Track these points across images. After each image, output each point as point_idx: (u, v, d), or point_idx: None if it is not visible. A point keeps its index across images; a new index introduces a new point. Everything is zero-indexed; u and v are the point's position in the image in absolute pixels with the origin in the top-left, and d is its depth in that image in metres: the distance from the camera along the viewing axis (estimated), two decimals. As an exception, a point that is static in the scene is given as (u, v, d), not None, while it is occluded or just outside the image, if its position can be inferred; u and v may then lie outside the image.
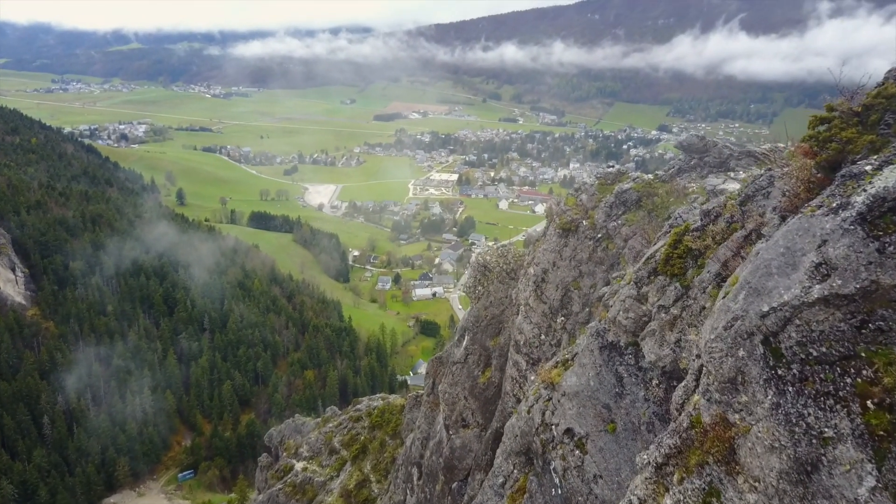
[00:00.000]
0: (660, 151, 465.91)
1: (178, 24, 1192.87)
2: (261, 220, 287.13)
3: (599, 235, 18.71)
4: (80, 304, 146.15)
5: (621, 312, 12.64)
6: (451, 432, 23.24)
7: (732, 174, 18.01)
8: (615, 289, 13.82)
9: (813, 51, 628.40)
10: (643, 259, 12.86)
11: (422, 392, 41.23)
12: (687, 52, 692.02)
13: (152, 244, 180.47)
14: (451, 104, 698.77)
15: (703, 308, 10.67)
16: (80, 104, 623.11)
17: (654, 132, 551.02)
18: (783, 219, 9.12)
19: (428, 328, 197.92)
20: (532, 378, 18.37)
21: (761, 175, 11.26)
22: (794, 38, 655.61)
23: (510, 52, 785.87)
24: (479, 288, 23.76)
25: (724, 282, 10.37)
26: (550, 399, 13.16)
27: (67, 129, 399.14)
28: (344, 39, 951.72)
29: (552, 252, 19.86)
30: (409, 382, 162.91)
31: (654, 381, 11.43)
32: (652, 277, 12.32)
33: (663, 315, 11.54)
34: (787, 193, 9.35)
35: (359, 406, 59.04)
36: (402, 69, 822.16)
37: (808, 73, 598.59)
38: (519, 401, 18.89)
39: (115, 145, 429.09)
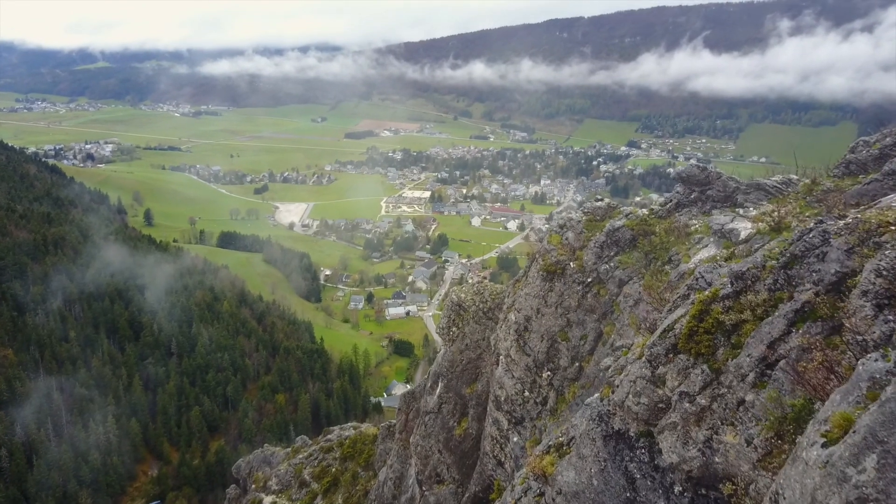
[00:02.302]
0: (629, 167, 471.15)
1: (146, 43, 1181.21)
2: (230, 240, 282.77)
3: (589, 280, 16.83)
4: (40, 330, 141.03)
5: (631, 396, 10.53)
6: (424, 488, 21.32)
7: (741, 210, 16.03)
8: (621, 364, 11.69)
9: (773, 68, 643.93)
10: (658, 331, 10.78)
11: (395, 422, 39.68)
12: (652, 69, 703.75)
13: (117, 267, 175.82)
14: (423, 122, 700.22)
15: (742, 402, 8.72)
16: (45, 123, 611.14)
17: (623, 148, 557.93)
18: (879, 308, 7.28)
19: (402, 348, 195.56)
20: (515, 440, 16.52)
21: (810, 230, 9.35)
22: (756, 56, 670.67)
23: (479, 70, 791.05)
24: (454, 329, 21.74)
25: (771, 369, 8.54)
26: (543, 495, 11.04)
27: (31, 149, 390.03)
28: (313, 58, 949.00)
29: (536, 297, 17.92)
30: (382, 404, 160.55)
31: (677, 488, 9.25)
32: (671, 356, 10.18)
33: (687, 405, 9.48)
34: (885, 273, 7.41)
35: (330, 436, 57.03)
36: (372, 87, 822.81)
37: (769, 89, 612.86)
38: (500, 463, 17.10)
39: (81, 165, 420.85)
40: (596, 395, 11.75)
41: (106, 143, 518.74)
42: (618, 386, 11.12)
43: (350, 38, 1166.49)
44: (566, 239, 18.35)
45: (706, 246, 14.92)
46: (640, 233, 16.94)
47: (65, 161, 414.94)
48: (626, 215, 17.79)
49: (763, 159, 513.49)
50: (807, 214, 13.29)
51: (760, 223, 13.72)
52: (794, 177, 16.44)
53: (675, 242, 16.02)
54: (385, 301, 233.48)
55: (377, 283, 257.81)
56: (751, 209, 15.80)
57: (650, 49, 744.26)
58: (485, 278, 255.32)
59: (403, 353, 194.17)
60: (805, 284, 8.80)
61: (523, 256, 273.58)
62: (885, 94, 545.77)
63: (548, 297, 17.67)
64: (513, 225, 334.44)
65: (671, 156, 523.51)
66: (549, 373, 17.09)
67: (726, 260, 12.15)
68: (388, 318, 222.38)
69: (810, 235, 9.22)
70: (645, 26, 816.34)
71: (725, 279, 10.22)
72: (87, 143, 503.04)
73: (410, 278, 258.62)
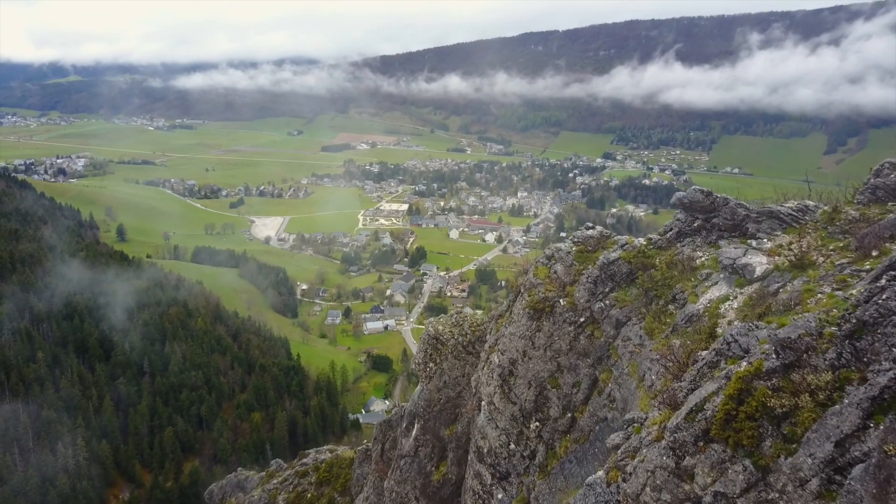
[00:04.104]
0: (605, 179, 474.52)
1: (118, 57, 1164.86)
2: (205, 255, 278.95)
3: (582, 319, 15.17)
4: (6, 350, 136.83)
5: (649, 490, 8.57)
6: (400, 537, 19.74)
7: (754, 242, 14.23)
8: (634, 445, 9.61)
9: (744, 80, 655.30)
10: (683, 410, 8.77)
11: (371, 445, 38.39)
12: (625, 82, 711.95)
13: (88, 284, 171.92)
14: (399, 135, 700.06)
15: (803, 514, 6.79)
16: (16, 138, 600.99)
17: (598, 160, 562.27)
18: None
19: (380, 363, 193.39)
20: (500, 496, 14.86)
21: (883, 289, 7.42)
22: (727, 69, 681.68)
23: (454, 83, 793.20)
24: (431, 365, 20.14)
25: (841, 475, 6.69)
26: None
27: (0, 164, 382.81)
28: (288, 71, 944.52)
29: (521, 338, 16.17)
30: (361, 421, 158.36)
31: None
32: (701, 444, 8.18)
33: (724, 509, 7.52)
34: None
35: (305, 459, 55.24)
36: (348, 100, 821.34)
37: (740, 101, 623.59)
38: (484, 522, 15.54)
39: (52, 180, 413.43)
40: (600, 473, 9.96)
41: (78, 157, 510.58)
42: (630, 473, 9.22)
43: (325, 51, 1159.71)
44: (554, 272, 16.61)
45: (716, 283, 13.43)
46: (638, 266, 15.33)
47: (35, 176, 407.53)
48: (622, 246, 16.21)
49: (736, 170, 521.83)
50: (831, 248, 11.98)
51: (777, 257, 12.36)
52: (811, 203, 15.02)
53: (679, 278, 14.46)
54: (363, 315, 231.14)
55: (355, 297, 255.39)
56: (765, 241, 14.22)
57: (623, 62, 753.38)
58: (463, 291, 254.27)
59: (382, 368, 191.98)
60: (882, 362, 7.06)
61: (502, 269, 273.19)
62: (852, 105, 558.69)
63: (535, 338, 15.98)
64: (491, 237, 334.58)
65: (646, 167, 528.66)
66: (537, 423, 15.46)
67: (760, 317, 10.22)
68: (365, 332, 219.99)
69: (884, 297, 7.33)
70: (618, 39, 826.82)
71: (767, 347, 8.28)
72: (58, 158, 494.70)
73: (388, 292, 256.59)
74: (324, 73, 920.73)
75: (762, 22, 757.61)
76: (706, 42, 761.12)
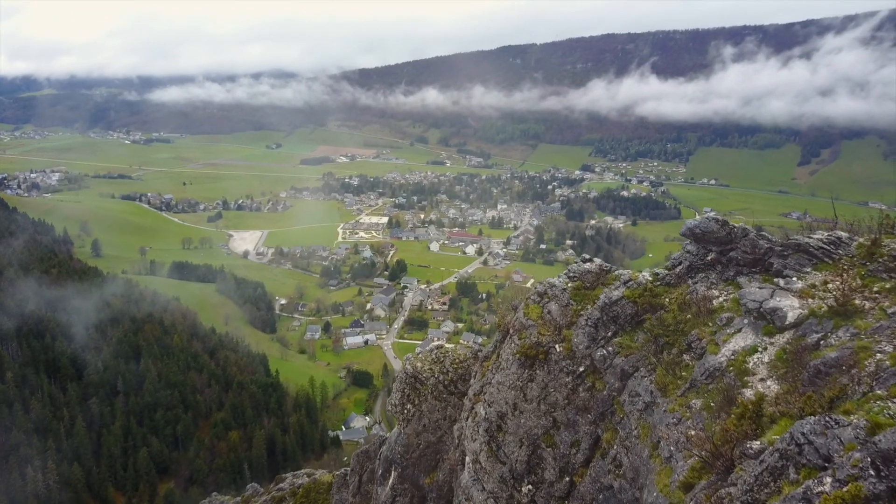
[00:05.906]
0: (584, 191, 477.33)
1: (93, 70, 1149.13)
2: (182, 270, 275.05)
3: (581, 369, 13.22)
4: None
5: None
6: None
7: (782, 281, 11.96)
8: None
9: (718, 93, 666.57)
10: None
11: (350, 469, 37.20)
12: (602, 95, 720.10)
13: (60, 302, 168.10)
14: (379, 147, 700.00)
15: None
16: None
17: (577, 172, 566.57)
18: None
19: (360, 378, 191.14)
20: None
21: None
22: (701, 81, 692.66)
23: (432, 96, 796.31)
24: (409, 406, 18.20)
25: None
26: None
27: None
28: (266, 84, 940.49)
29: (511, 388, 13.98)
30: (341, 438, 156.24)
31: None
32: None
33: None
34: None
35: (282, 484, 53.72)
36: (327, 113, 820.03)
37: (714, 113, 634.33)
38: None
39: (26, 195, 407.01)
40: None
41: (52, 171, 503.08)
42: None
43: (303, 64, 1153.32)
44: (548, 312, 14.46)
45: (739, 330, 11.49)
46: (644, 307, 13.32)
47: (8, 191, 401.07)
48: (625, 282, 14.18)
49: (713, 181, 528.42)
50: (875, 289, 10.24)
51: (812, 300, 10.68)
52: (844, 234, 13.17)
53: (695, 322, 12.52)
54: (343, 330, 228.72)
55: (334, 311, 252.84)
56: (794, 279, 12.16)
57: (600, 75, 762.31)
58: (444, 304, 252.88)
59: (362, 383, 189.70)
60: None
61: (482, 281, 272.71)
62: (823, 117, 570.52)
63: (527, 388, 13.97)
64: (471, 249, 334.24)
65: (624, 179, 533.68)
66: (530, 487, 13.58)
67: (831, 403, 7.88)
68: (345, 347, 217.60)
69: None
70: (595, 53, 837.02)
71: (859, 457, 6.00)
72: (32, 172, 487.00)
73: (369, 306, 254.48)
74: (302, 86, 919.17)
75: (735, 36, 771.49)
76: (681, 55, 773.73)
